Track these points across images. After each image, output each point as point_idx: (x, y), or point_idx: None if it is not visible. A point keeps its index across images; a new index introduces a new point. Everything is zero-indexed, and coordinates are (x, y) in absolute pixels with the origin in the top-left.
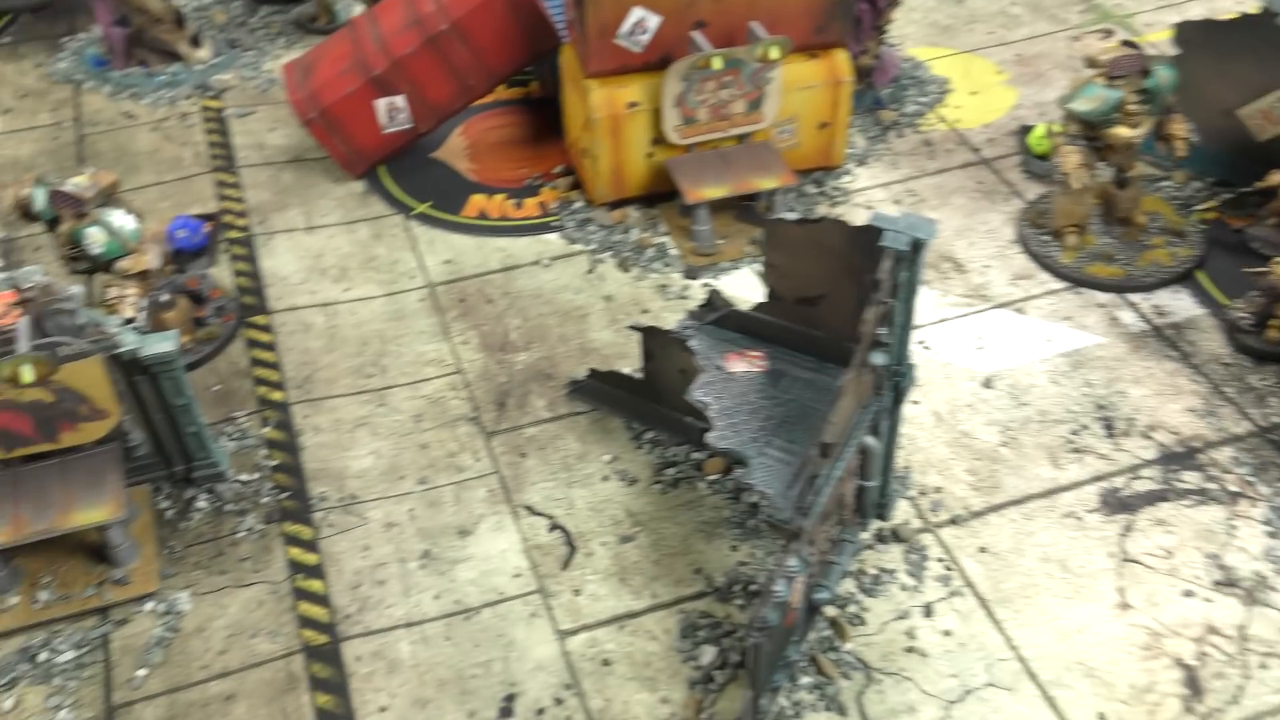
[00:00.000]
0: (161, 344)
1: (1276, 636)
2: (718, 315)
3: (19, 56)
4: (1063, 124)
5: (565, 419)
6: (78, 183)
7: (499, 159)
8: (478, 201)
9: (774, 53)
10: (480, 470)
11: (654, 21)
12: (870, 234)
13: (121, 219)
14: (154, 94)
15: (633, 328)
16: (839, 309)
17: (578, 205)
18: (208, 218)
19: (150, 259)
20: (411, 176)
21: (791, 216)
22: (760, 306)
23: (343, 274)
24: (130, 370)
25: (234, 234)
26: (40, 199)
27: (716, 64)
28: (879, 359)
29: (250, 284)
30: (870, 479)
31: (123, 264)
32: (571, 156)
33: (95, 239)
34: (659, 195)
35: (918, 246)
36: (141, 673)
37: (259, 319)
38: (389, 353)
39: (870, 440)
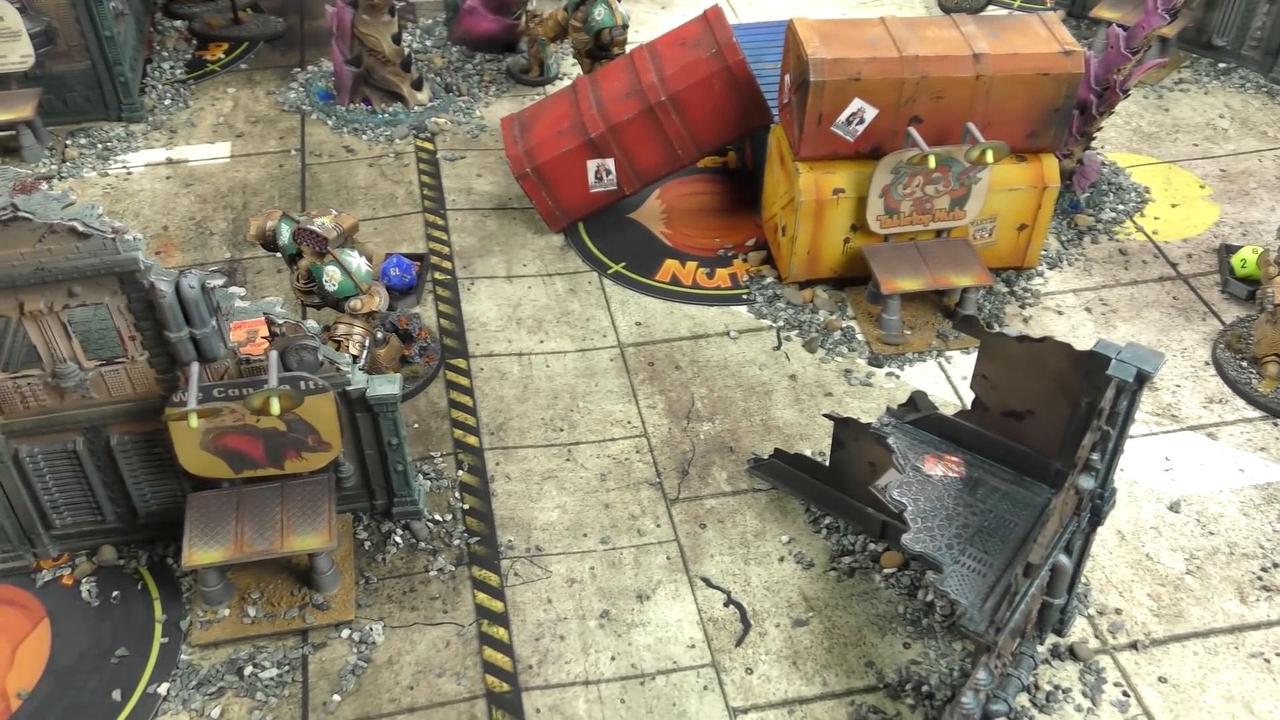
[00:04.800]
0: (386, 386)
1: None
2: (919, 416)
3: (254, 84)
4: (1279, 253)
5: (745, 494)
6: (323, 223)
7: (694, 226)
8: (671, 266)
9: (989, 156)
10: (660, 536)
11: (871, 113)
12: (1094, 360)
13: (358, 261)
14: (373, 131)
15: (828, 416)
16: (1045, 427)
17: (768, 280)
18: (417, 258)
19: (379, 301)
20: (608, 235)
21: (1012, 333)
22: (964, 414)
23: (538, 325)
24: (353, 407)
25: (439, 275)
26: (285, 233)
27: (931, 162)
28: (1087, 483)
29: (453, 327)
30: (1057, 596)
31: (354, 303)
32: (766, 232)
33: (332, 277)
34: (849, 279)
35: (1142, 379)
36: (335, 698)
37: (459, 362)
38: (578, 409)
39: (1063, 559)
